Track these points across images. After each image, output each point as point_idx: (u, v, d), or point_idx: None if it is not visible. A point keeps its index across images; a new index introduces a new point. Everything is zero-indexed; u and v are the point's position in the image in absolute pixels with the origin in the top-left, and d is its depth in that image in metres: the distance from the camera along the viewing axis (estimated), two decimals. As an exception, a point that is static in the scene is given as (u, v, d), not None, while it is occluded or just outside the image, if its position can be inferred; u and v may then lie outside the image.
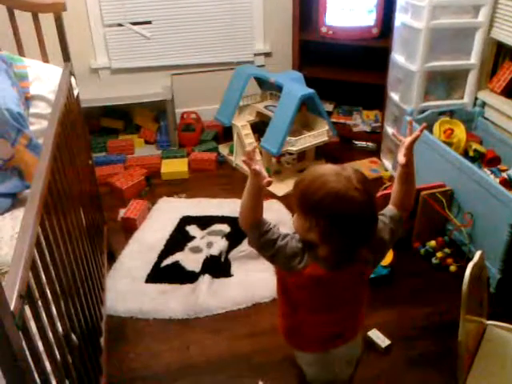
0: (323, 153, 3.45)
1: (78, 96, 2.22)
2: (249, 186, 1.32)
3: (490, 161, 2.67)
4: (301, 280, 1.27)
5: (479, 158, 2.70)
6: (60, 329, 1.30)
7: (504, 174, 2.42)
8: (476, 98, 2.93)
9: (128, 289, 2.39)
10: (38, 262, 1.17)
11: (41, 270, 1.18)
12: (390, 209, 1.38)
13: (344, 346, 1.41)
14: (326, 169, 1.19)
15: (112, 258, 2.57)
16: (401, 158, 1.31)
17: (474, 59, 2.84)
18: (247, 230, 1.36)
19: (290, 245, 1.27)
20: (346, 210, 1.13)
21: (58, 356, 1.23)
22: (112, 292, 2.32)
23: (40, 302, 1.16)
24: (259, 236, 1.31)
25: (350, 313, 1.40)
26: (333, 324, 1.39)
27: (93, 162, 2.45)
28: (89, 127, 3.41)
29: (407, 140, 1.32)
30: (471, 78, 2.89)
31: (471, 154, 2.70)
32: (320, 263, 1.23)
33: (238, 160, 3.45)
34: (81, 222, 1.82)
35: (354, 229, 1.16)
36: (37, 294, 1.14)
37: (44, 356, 1.12)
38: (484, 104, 2.89)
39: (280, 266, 1.30)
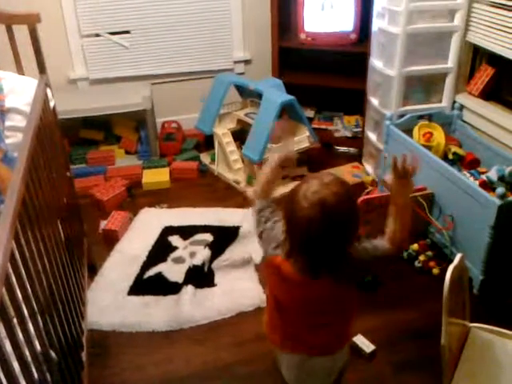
0: (305, 159, 3.44)
1: (54, 108, 2.19)
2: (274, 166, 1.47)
3: (469, 163, 2.68)
4: (271, 266, 1.30)
5: (458, 161, 2.72)
6: (38, 346, 1.27)
7: (483, 176, 2.43)
8: (454, 102, 2.96)
9: (110, 302, 2.35)
10: (13, 278, 1.14)
11: (16, 286, 1.15)
12: (381, 241, 1.32)
13: (321, 358, 1.40)
14: (309, 178, 1.20)
15: (93, 271, 2.53)
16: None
17: (451, 63, 2.86)
18: (255, 200, 1.44)
19: (276, 230, 1.32)
20: (293, 214, 1.16)
21: (36, 374, 1.20)
22: (94, 305, 2.29)
23: (15, 320, 1.13)
24: (259, 210, 1.40)
25: (324, 327, 1.36)
26: (306, 330, 1.37)
27: (71, 174, 2.42)
28: (68, 139, 3.43)
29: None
30: (449, 82, 2.92)
31: (450, 156, 2.71)
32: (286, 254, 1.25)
33: (219, 168, 3.44)
34: (59, 236, 1.79)
35: (299, 236, 1.17)
36: (12, 312, 1.11)
37: (20, 375, 1.09)
38: (462, 107, 2.91)
39: (262, 246, 1.36)
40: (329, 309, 1.33)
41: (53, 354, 1.39)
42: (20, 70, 2.25)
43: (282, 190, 3.23)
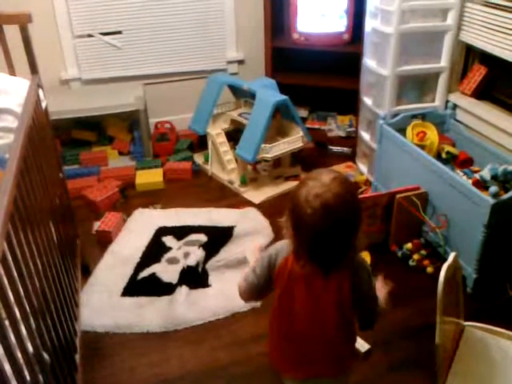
0: (299, 159, 3.45)
1: (46, 108, 2.18)
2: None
3: (462, 162, 2.69)
4: (279, 270, 1.29)
5: (452, 160, 2.72)
6: (30, 348, 1.26)
7: (476, 175, 2.44)
8: (447, 101, 2.96)
9: (104, 303, 2.34)
10: (5, 279, 1.13)
11: (7, 288, 1.14)
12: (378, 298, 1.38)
13: (319, 381, 1.40)
14: (312, 176, 1.18)
15: (87, 272, 2.52)
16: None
17: (443, 62, 2.87)
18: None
19: (264, 258, 1.33)
20: (298, 221, 1.15)
21: (28, 376, 1.19)
22: (87, 307, 2.28)
23: (7, 322, 1.12)
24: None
25: (322, 339, 1.34)
26: (319, 348, 1.35)
27: (64, 175, 2.40)
28: (61, 139, 3.41)
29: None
30: (442, 81, 2.93)
31: (444, 156, 2.72)
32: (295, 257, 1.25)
33: (213, 169, 3.43)
34: (51, 237, 1.78)
35: (306, 240, 1.17)
36: (3, 314, 1.10)
37: (12, 377, 1.08)
38: (455, 106, 2.92)
39: (271, 277, 1.33)
40: (339, 315, 1.30)
41: (46, 355, 1.38)
42: (11, 70, 2.23)
43: (275, 190, 3.25)
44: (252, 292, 1.40)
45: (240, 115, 3.36)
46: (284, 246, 1.29)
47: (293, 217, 1.16)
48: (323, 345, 1.35)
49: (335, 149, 3.72)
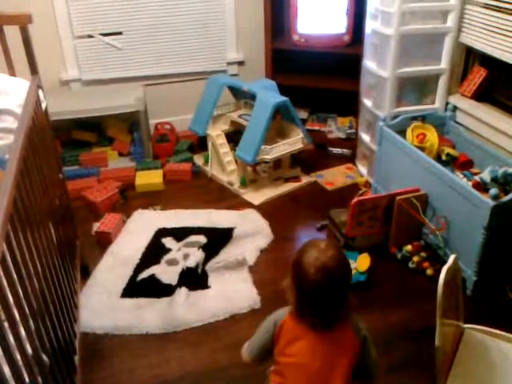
0: (299, 160, 3.45)
1: (46, 109, 2.18)
2: None
3: (462, 164, 2.69)
4: (280, 332, 1.40)
5: (452, 162, 2.72)
6: (29, 350, 1.26)
7: (476, 177, 2.43)
8: (447, 103, 2.97)
9: (103, 304, 2.34)
10: (4, 281, 1.13)
11: (7, 289, 1.14)
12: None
13: None
14: (312, 243, 1.36)
15: (86, 273, 2.51)
16: None
17: (444, 64, 2.87)
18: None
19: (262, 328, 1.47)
20: (302, 284, 1.32)
21: (27, 378, 1.19)
22: (86, 308, 2.27)
23: (6, 323, 1.12)
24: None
25: None
26: None
27: (64, 176, 2.40)
28: (61, 140, 3.41)
29: None
30: (442, 83, 2.93)
31: (444, 158, 2.72)
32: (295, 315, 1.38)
33: (213, 170, 3.43)
34: (51, 238, 1.77)
35: (307, 300, 1.33)
36: (2, 315, 1.10)
37: (11, 379, 1.08)
38: (455, 108, 2.92)
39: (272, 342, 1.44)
40: (338, 370, 1.36)
41: (45, 357, 1.38)
42: (12, 71, 2.23)
43: (275, 191, 3.25)
44: (255, 357, 1.52)
45: (240, 116, 3.36)
46: (282, 312, 1.43)
47: (296, 279, 1.33)
48: None
49: (335, 150, 3.72)
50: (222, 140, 3.34)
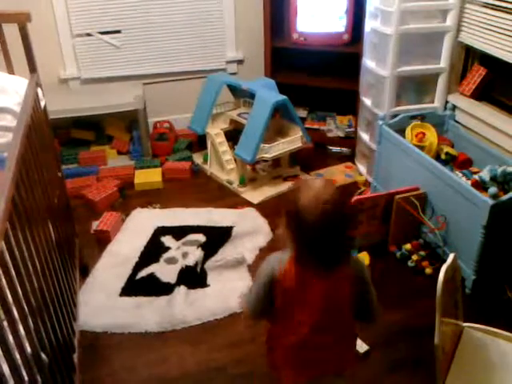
0: (298, 159, 3.45)
1: (45, 107, 2.17)
2: None
3: (461, 163, 2.69)
4: (283, 276, 1.32)
5: (451, 161, 2.72)
6: (28, 348, 1.26)
7: (475, 176, 2.43)
8: (446, 102, 2.97)
9: (102, 303, 2.34)
10: (3, 279, 1.12)
11: (6, 287, 1.14)
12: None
13: (326, 379, 1.42)
14: (307, 184, 1.27)
15: (85, 272, 2.51)
16: None
17: (443, 63, 2.87)
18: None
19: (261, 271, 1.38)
20: (304, 226, 1.23)
21: (26, 376, 1.19)
22: (85, 307, 2.27)
23: (5, 322, 1.12)
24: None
25: (339, 340, 1.40)
26: (329, 345, 1.39)
27: (63, 174, 2.40)
28: (59, 139, 3.40)
29: None
30: (441, 82, 2.93)
31: (443, 157, 2.72)
32: (296, 260, 1.31)
33: (212, 169, 3.43)
34: (49, 236, 1.77)
35: (311, 243, 1.26)
36: (1, 314, 1.10)
37: (10, 377, 1.08)
38: (454, 107, 2.92)
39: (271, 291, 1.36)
40: (343, 308, 1.36)
41: (44, 355, 1.38)
42: (10, 69, 2.23)
43: (274, 190, 3.24)
44: (256, 310, 1.43)
45: (239, 115, 3.36)
46: (276, 259, 1.35)
47: (298, 225, 1.24)
48: (335, 339, 1.39)
49: (334, 149, 3.72)
50: (221, 138, 3.33)
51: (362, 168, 3.36)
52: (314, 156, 3.60)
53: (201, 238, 2.75)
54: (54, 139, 2.36)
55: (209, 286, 2.45)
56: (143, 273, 2.52)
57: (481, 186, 2.37)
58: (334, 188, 1.27)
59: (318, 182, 1.27)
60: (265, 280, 1.35)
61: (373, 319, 1.45)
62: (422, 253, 2.55)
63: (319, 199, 1.21)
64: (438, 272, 1.46)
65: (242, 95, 3.45)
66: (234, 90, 3.51)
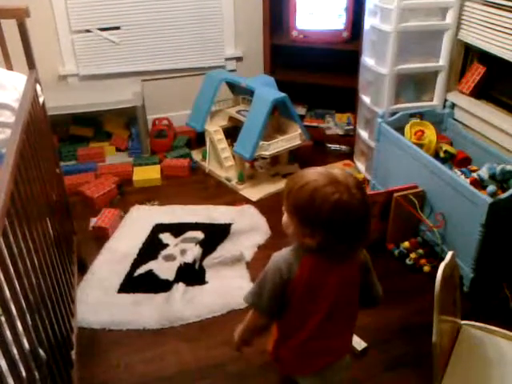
0: (296, 157, 3.44)
1: (43, 104, 2.17)
2: None
3: (460, 161, 2.69)
4: (299, 276, 1.28)
5: (450, 159, 2.72)
6: (26, 344, 1.26)
7: (474, 175, 2.44)
8: (445, 100, 2.96)
9: (100, 300, 2.34)
10: (1, 275, 1.12)
11: (4, 283, 1.14)
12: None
13: (336, 365, 1.43)
14: (320, 177, 1.21)
15: (83, 269, 2.51)
16: None
17: (442, 61, 2.87)
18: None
19: (267, 278, 1.32)
20: (344, 219, 1.19)
21: (24, 373, 1.19)
22: (83, 303, 2.27)
23: (3, 318, 1.12)
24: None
25: (346, 320, 1.42)
26: (342, 331, 1.42)
27: (61, 171, 2.39)
28: (58, 135, 3.40)
29: None
30: (440, 80, 2.93)
31: (442, 155, 2.72)
32: (314, 254, 1.27)
33: (211, 166, 3.42)
34: (48, 233, 1.77)
35: (350, 233, 1.23)
36: (-1, 310, 1.10)
37: (8, 374, 1.08)
38: (453, 105, 2.92)
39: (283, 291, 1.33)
40: (354, 293, 1.39)
41: (41, 352, 1.38)
42: (9, 65, 2.22)
43: (273, 187, 3.24)
44: (273, 310, 1.37)
45: (238, 112, 3.35)
46: (284, 258, 1.30)
47: (311, 215, 1.19)
48: (345, 326, 1.43)
49: (333, 147, 3.72)
50: (220, 136, 3.33)
51: (361, 166, 3.36)
52: (312, 153, 3.60)
53: (199, 235, 2.75)
54: (53, 135, 2.36)
55: (207, 283, 2.45)
56: (141, 270, 2.52)
57: (479, 184, 2.38)
58: (340, 171, 1.25)
59: (328, 173, 1.23)
60: (278, 281, 1.29)
61: (378, 302, 1.50)
62: (421, 251, 2.55)
63: (350, 187, 1.18)
64: (436, 270, 1.46)
65: (240, 92, 3.44)
66: (233, 87, 3.51)
